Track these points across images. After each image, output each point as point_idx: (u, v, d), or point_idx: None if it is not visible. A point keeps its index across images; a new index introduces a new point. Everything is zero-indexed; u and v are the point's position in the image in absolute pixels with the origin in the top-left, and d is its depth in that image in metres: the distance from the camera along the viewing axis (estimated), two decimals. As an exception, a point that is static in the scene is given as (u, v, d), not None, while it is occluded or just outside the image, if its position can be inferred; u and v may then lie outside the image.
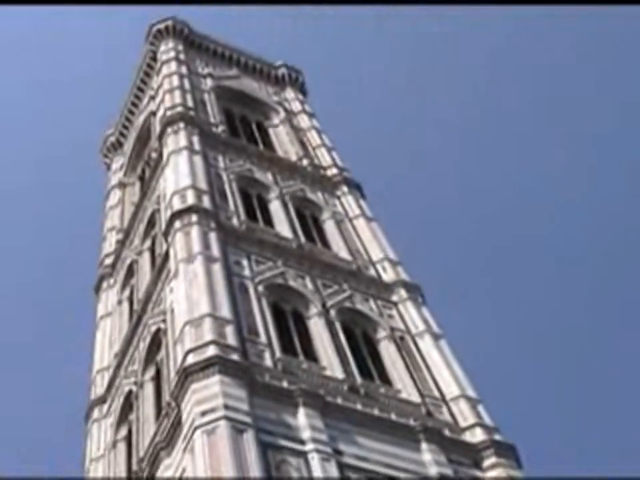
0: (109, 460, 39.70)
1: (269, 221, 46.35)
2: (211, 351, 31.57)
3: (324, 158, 57.79)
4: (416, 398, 36.25)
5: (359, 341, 39.21)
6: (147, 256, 48.45)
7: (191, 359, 31.37)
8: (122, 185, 62.79)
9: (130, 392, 40.56)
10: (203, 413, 28.85)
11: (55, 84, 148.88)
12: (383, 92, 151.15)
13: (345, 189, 53.57)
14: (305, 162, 55.85)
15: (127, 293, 49.65)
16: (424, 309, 42.80)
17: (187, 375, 30.74)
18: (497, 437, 35.32)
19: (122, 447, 39.51)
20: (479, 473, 33.79)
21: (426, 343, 40.04)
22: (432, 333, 40.71)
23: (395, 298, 43.39)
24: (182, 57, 65.64)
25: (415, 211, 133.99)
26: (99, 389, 45.10)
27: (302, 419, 31.20)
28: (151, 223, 49.86)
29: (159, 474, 31.70)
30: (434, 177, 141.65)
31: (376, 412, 34.02)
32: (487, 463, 34.20)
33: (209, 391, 29.78)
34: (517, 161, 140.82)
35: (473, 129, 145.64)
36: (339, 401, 33.52)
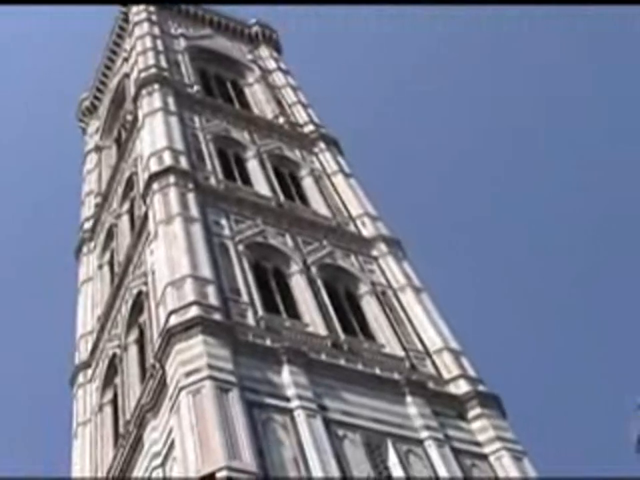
0: (96, 423, 39.81)
1: (247, 180, 46.21)
2: (194, 311, 31.57)
3: (300, 115, 57.54)
4: (399, 352, 36.37)
5: (341, 297, 39.26)
6: (126, 219, 48.32)
7: (173, 320, 31.37)
8: (98, 149, 62.46)
9: (114, 355, 40.57)
10: (188, 374, 28.88)
11: (25, 50, 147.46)
12: (360, 47, 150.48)
13: (323, 145, 53.39)
14: (282, 120, 55.63)
15: (107, 256, 49.52)
16: (405, 263, 42.83)
17: (170, 336, 30.76)
18: (481, 388, 35.52)
19: (108, 410, 39.60)
20: (463, 424, 33.99)
21: (408, 297, 40.12)
22: (413, 287, 40.79)
23: (375, 253, 43.40)
24: (154, 18, 65.02)
25: (394, 166, 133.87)
26: (83, 354, 45.09)
27: (286, 377, 31.27)
28: (129, 186, 49.68)
29: (145, 435, 31.80)
30: (414, 131, 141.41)
31: (360, 367, 34.14)
32: (471, 414, 34.42)
33: (193, 352, 29.80)
34: (496, 116, 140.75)
35: (453, 78, 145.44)
36: (323, 357, 33.61)
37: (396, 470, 30.07)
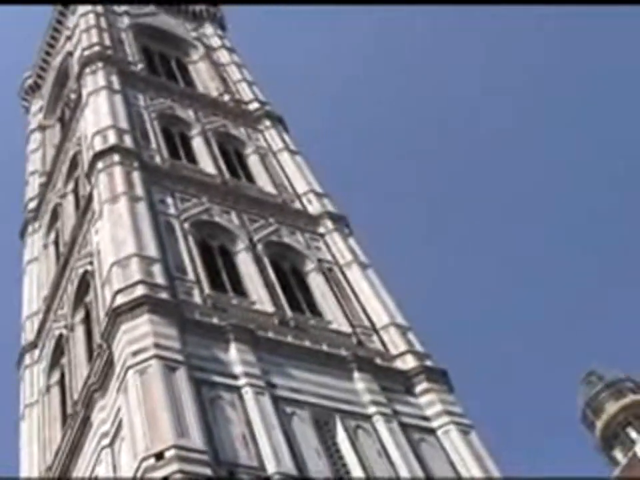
0: (44, 405, 39.59)
1: (192, 158, 45.98)
2: (140, 290, 31.47)
3: (245, 93, 57.23)
4: (346, 328, 36.50)
5: (288, 274, 39.24)
6: (70, 198, 47.94)
7: (119, 300, 31.26)
8: (42, 128, 61.77)
9: (60, 336, 40.34)
10: (135, 353, 28.83)
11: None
12: (305, 22, 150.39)
13: (268, 122, 53.20)
14: (226, 97, 55.38)
15: (52, 236, 49.11)
16: (351, 239, 42.87)
17: (117, 315, 30.67)
18: (428, 363, 35.76)
19: (55, 391, 39.39)
20: (411, 399, 34.22)
21: (354, 273, 40.21)
22: (360, 263, 40.88)
23: (321, 230, 43.40)
24: (97, -5, 64.26)
25: (339, 142, 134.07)
26: (29, 335, 44.71)
27: (234, 354, 31.28)
28: (74, 165, 49.24)
29: (93, 416, 31.74)
30: (356, 107, 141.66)
31: (307, 344, 34.21)
32: (418, 388, 34.64)
33: (139, 331, 29.75)
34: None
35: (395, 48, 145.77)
36: (270, 334, 33.63)
37: (344, 445, 30.26)
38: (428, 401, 34.13)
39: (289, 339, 34.00)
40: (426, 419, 33.53)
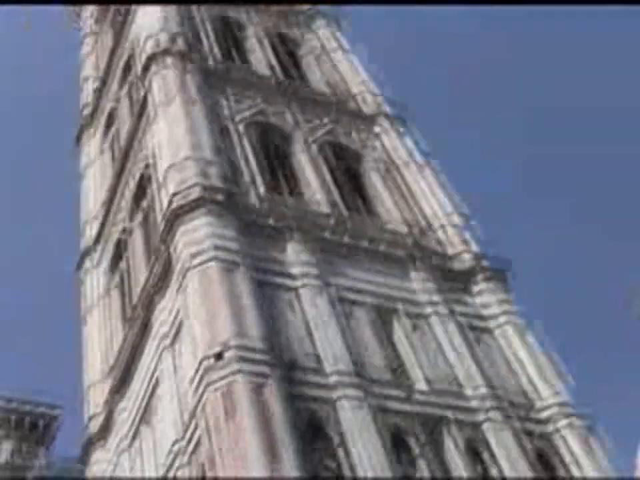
0: (104, 308, 40.03)
1: (245, 60, 45.61)
2: (196, 192, 31.45)
3: (297, -8, 56.33)
4: (403, 228, 36.36)
5: (344, 174, 39.04)
6: (125, 102, 47.80)
7: (176, 202, 31.29)
8: (94, 33, 61.43)
9: (119, 240, 40.62)
10: (193, 255, 28.98)
11: None
12: None
13: (322, 21, 52.43)
14: (279, -3, 54.56)
15: (108, 141, 49.12)
16: (407, 138, 42.45)
17: (174, 218, 30.77)
18: (485, 263, 35.59)
19: (116, 294, 39.79)
20: (468, 299, 34.20)
21: (411, 172, 39.90)
22: (416, 162, 40.54)
23: (377, 129, 43.00)
24: None
25: (395, 39, 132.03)
26: (88, 239, 45.03)
27: (291, 255, 31.36)
28: (127, 69, 49.02)
29: (153, 317, 32.10)
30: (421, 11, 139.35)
31: (364, 244, 34.12)
32: (476, 288, 34.61)
33: (198, 233, 29.84)
34: None
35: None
36: (327, 235, 33.57)
37: (401, 344, 30.38)
38: (485, 301, 34.13)
39: (346, 239, 33.91)
40: (483, 318, 33.57)
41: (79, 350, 40.60)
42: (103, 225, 43.98)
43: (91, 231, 45.37)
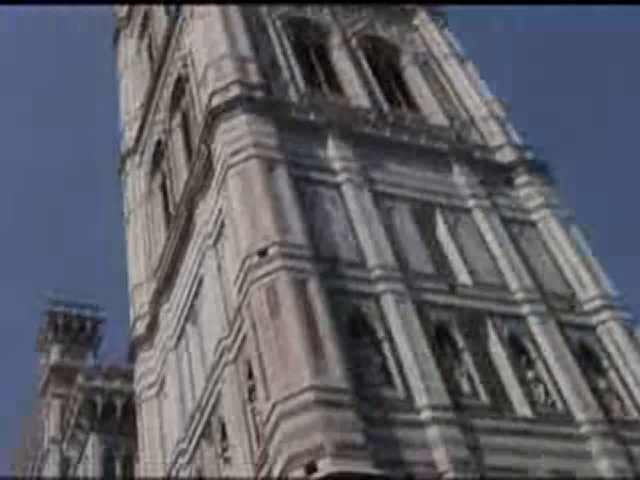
0: (147, 208, 40.12)
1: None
2: (235, 90, 31.24)
3: None
4: (444, 122, 35.98)
5: (383, 68, 38.55)
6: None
7: (215, 101, 31.13)
8: None
9: (159, 141, 40.54)
10: (234, 153, 28.88)
11: None
12: None
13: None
14: None
15: (145, 41, 48.68)
16: (447, 31, 41.80)
17: (214, 116, 30.63)
18: (528, 155, 35.23)
19: (158, 194, 39.85)
20: (511, 192, 33.94)
21: (451, 66, 39.34)
22: (456, 55, 39.93)
23: (416, 22, 42.29)
24: None
25: None
26: (128, 141, 44.94)
27: (332, 151, 31.17)
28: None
29: (196, 217, 32.18)
30: None
31: (405, 138, 33.84)
32: (518, 181, 34.31)
33: (237, 131, 29.70)
34: None
35: None
36: (367, 130, 33.31)
37: (444, 238, 30.28)
38: (528, 194, 33.83)
39: (387, 133, 33.62)
40: (525, 211, 33.33)
41: (123, 254, 40.83)
42: (142, 127, 43.83)
43: (130, 132, 45.23)
